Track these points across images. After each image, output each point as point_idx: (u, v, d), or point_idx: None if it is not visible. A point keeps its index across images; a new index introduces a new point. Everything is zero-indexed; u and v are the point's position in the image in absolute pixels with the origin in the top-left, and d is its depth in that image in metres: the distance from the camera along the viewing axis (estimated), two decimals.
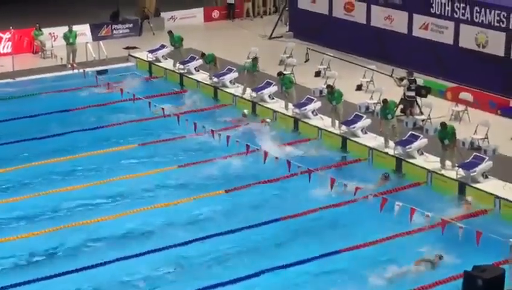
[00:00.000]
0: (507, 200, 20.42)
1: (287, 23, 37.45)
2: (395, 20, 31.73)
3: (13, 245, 18.98)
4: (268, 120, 26.41)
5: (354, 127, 24.46)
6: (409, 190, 21.72)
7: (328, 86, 25.93)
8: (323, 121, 25.67)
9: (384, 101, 24.13)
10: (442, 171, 21.98)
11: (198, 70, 30.84)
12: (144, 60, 32.62)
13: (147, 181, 22.40)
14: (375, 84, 28.64)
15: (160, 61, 32.25)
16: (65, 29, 32.65)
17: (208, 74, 30.16)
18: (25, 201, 21.06)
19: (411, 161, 22.74)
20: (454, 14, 29.42)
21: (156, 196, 21.61)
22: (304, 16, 35.63)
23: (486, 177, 21.47)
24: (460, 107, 26.34)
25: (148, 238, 19.47)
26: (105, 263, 18.04)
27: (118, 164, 23.59)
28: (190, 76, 30.59)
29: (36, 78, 30.66)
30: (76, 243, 19.15)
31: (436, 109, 25.82)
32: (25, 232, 19.44)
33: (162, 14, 38.97)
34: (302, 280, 17.74)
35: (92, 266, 17.92)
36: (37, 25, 33.89)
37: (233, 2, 40.24)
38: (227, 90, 28.96)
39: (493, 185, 21.16)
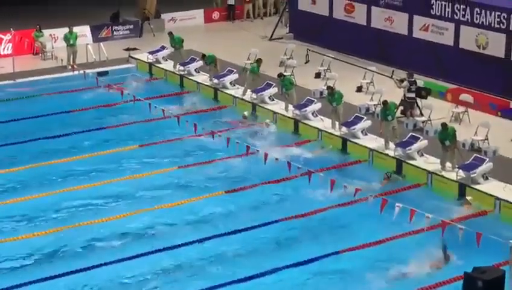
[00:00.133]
0: (507, 201, 20.43)
1: (287, 25, 37.44)
2: (396, 22, 31.73)
3: (13, 246, 18.99)
4: (268, 121, 26.42)
5: (354, 129, 24.47)
6: (409, 191, 21.74)
7: (328, 88, 25.92)
8: (324, 123, 25.68)
9: (385, 102, 24.14)
10: (443, 173, 21.98)
11: (198, 72, 30.85)
12: (144, 62, 32.63)
13: (147, 182, 22.42)
14: (376, 85, 28.65)
15: (160, 63, 32.26)
16: (65, 30, 32.66)
17: (208, 75, 30.17)
18: (26, 202, 21.07)
19: (411, 162, 22.75)
20: (455, 15, 29.43)
21: (156, 197, 21.61)
22: (304, 17, 35.64)
23: (487, 178, 21.47)
24: (461, 109, 26.34)
25: (149, 239, 19.48)
26: (106, 264, 18.04)
27: (119, 165, 23.61)
28: (190, 77, 30.60)
29: (36, 80, 30.64)
30: (77, 244, 19.15)
31: (436, 111, 25.83)
32: (26, 233, 19.45)
33: (163, 16, 38.96)
34: (303, 281, 17.75)
35: (93, 267, 17.92)
36: (38, 26, 33.89)
37: (233, 3, 40.26)
38: (228, 91, 28.98)
39: (493, 187, 21.16)
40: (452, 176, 21.74)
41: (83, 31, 34.98)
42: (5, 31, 32.82)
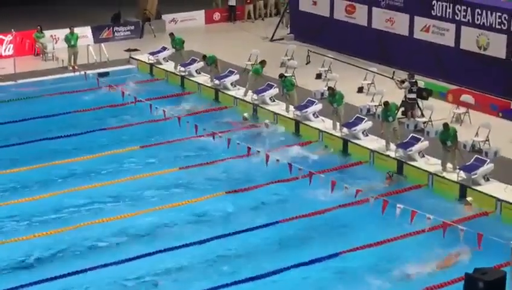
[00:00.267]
0: (508, 202, 20.42)
1: (288, 26, 37.44)
2: (396, 23, 31.74)
3: (14, 246, 18.98)
4: (267, 121, 26.42)
5: (355, 130, 24.46)
6: (410, 192, 21.73)
7: (329, 88, 25.92)
8: (325, 124, 25.68)
9: (386, 103, 24.13)
10: (444, 174, 21.98)
11: (199, 73, 30.85)
12: (145, 62, 32.64)
13: (148, 183, 22.41)
14: (376, 86, 28.64)
15: (161, 64, 32.26)
16: (66, 31, 32.66)
17: (209, 76, 30.17)
18: (27, 203, 21.07)
19: (412, 163, 22.74)
20: (456, 16, 29.43)
21: (157, 198, 21.62)
22: (305, 18, 35.64)
23: (488, 179, 21.47)
24: (462, 110, 26.35)
25: (150, 239, 19.48)
26: (107, 265, 18.03)
27: (120, 165, 23.62)
28: (191, 78, 30.61)
29: (37, 81, 30.65)
30: (78, 244, 19.16)
31: (437, 111, 25.82)
32: (27, 233, 19.46)
33: (163, 17, 38.97)
34: (303, 281, 17.75)
35: (94, 268, 17.93)
36: (39, 27, 33.90)
37: (234, 4, 40.27)
38: (229, 92, 28.98)
39: (494, 188, 21.15)
40: (453, 177, 21.73)
41: (84, 32, 35.00)
42: (6, 32, 32.85)
